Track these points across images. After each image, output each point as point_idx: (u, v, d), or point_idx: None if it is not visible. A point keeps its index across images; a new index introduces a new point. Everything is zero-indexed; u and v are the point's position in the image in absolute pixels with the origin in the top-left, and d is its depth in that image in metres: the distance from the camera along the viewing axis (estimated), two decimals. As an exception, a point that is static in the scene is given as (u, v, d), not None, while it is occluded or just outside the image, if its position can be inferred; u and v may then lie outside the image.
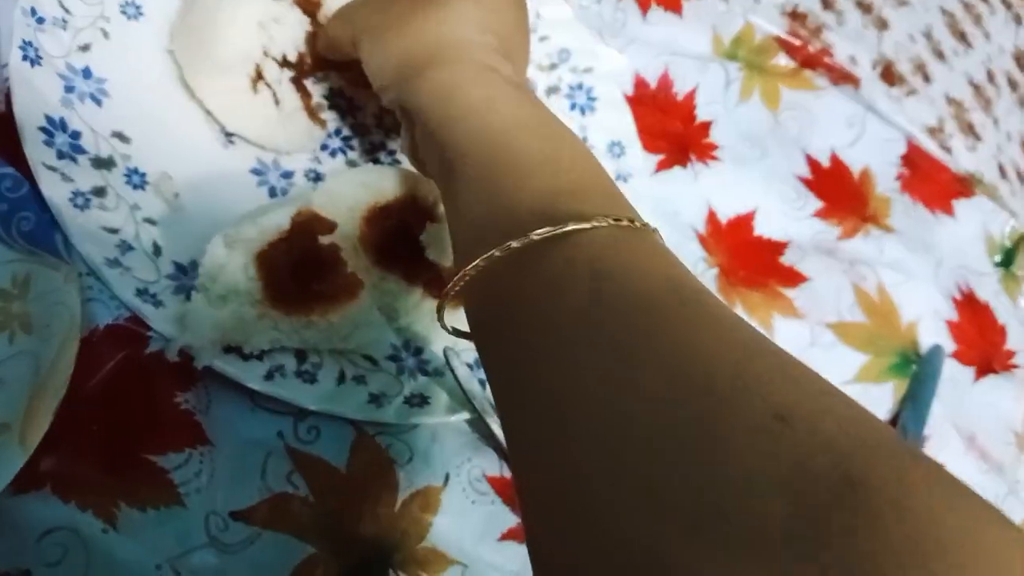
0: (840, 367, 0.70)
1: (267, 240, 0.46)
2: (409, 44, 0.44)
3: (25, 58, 0.48)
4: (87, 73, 0.51)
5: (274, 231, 0.46)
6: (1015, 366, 0.81)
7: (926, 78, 0.99)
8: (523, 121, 0.40)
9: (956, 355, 0.77)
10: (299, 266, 0.47)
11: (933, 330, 0.76)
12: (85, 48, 0.51)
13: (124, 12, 0.54)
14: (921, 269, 0.78)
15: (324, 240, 0.49)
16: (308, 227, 0.48)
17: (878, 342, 0.72)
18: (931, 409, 0.71)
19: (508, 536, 0.50)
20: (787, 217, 0.74)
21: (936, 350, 0.74)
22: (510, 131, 0.39)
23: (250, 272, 0.46)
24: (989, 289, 0.83)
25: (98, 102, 0.51)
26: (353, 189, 0.52)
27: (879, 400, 0.70)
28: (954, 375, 0.76)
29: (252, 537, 0.43)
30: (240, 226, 0.46)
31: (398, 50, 0.45)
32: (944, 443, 0.71)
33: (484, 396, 0.51)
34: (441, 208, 0.54)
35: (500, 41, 0.45)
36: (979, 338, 0.79)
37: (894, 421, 0.69)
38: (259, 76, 0.54)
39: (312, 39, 0.56)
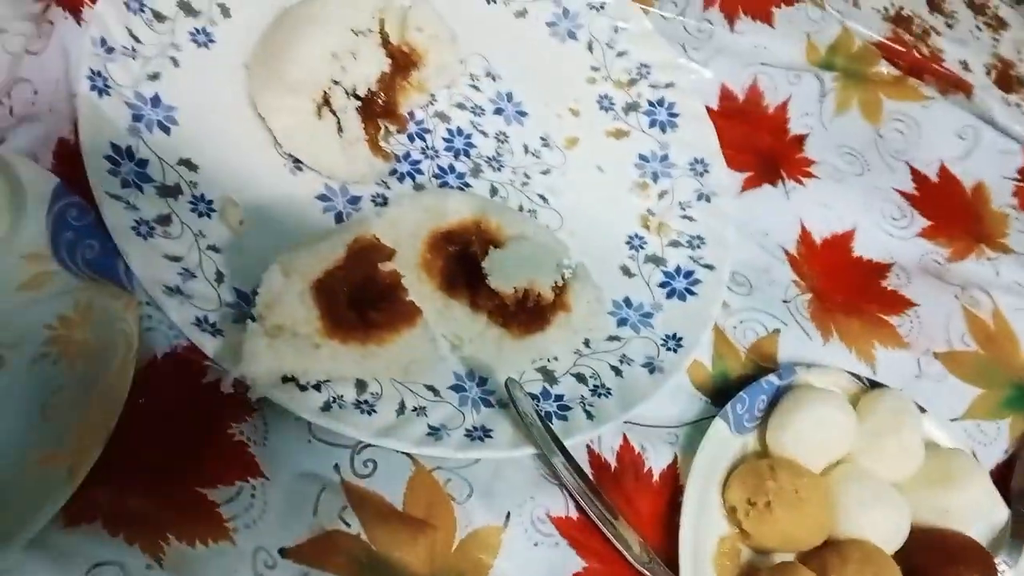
0: (950, 401, 0.64)
1: (323, 268, 0.45)
2: None
3: (93, 87, 0.48)
4: (156, 101, 0.51)
5: (330, 259, 0.45)
6: None
7: (1051, 80, 0.91)
8: None
9: (1087, 388, 0.69)
10: (356, 294, 0.46)
11: (1059, 361, 0.69)
12: (155, 77, 0.52)
13: (195, 40, 0.54)
14: (1044, 292, 0.71)
15: (384, 267, 0.48)
16: (366, 255, 0.46)
17: (993, 373, 0.66)
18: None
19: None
20: (890, 237, 0.69)
21: (1061, 382, 0.67)
22: None
23: (307, 301, 0.45)
24: None
25: (167, 130, 0.51)
26: (415, 214, 0.51)
27: (994, 437, 0.63)
28: (1084, 411, 0.68)
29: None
30: (296, 254, 0.45)
31: None
32: (1073, 487, 0.64)
33: (545, 432, 0.48)
34: (505, 233, 0.52)
35: None
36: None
37: (1011, 460, 0.63)
38: (325, 102, 0.53)
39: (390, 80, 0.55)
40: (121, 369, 0.42)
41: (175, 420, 0.43)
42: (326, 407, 0.46)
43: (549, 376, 0.53)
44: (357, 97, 0.54)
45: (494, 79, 0.63)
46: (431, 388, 0.50)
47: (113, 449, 0.40)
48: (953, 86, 0.79)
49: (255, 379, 0.43)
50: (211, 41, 0.55)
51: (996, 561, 0.57)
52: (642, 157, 0.65)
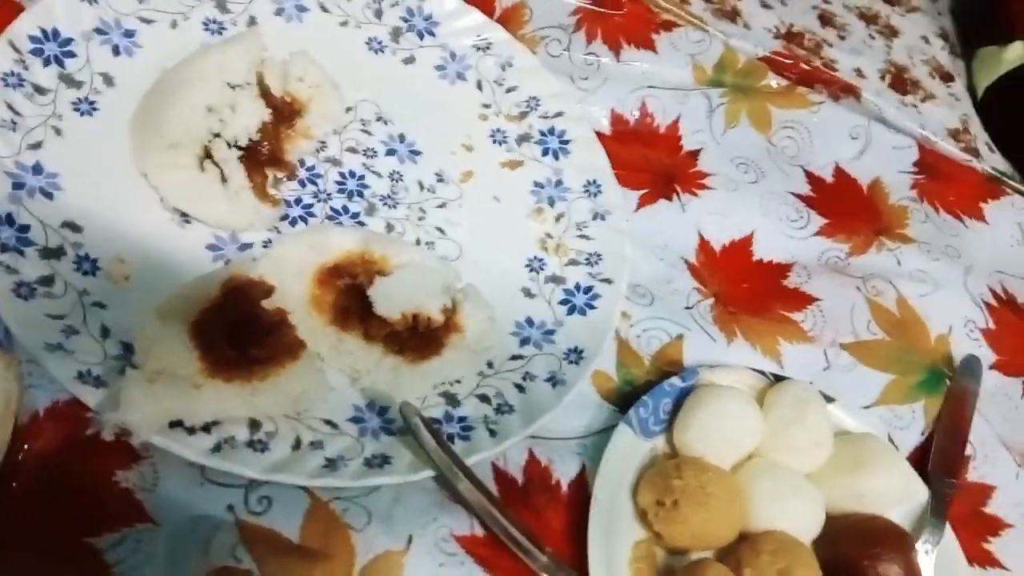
0: (862, 389, 0.65)
1: (199, 308, 0.46)
2: None
3: (-29, 160, 0.49)
4: (38, 169, 0.52)
5: (204, 300, 0.46)
6: (1073, 372, 0.74)
7: (945, 79, 0.95)
8: None
9: (998, 366, 0.71)
10: (236, 332, 0.47)
11: (967, 342, 0.70)
12: (36, 145, 0.53)
13: (77, 109, 0.56)
14: (948, 278, 0.73)
15: (268, 305, 0.49)
16: (243, 292, 0.47)
17: (903, 359, 0.67)
18: (972, 425, 0.65)
19: None
20: (789, 238, 0.71)
21: (971, 361, 0.68)
22: None
23: (184, 342, 0.45)
24: (1034, 293, 0.77)
25: (49, 195, 0.52)
26: (299, 251, 0.52)
27: (909, 422, 0.64)
28: (999, 387, 0.70)
29: (188, 615, 0.41)
30: (171, 298, 0.46)
31: None
32: (992, 462, 0.65)
33: (446, 453, 0.48)
34: (391, 263, 0.53)
35: None
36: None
37: (928, 442, 0.64)
38: (207, 155, 0.54)
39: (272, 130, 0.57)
40: (1, 427, 0.42)
41: (59, 473, 0.43)
42: (216, 448, 0.46)
43: (452, 399, 0.54)
44: (239, 148, 0.55)
45: (385, 122, 0.65)
46: (329, 422, 0.50)
47: (-3, 506, 0.40)
48: (843, 91, 0.82)
49: (135, 425, 0.43)
50: (94, 109, 0.56)
51: (920, 541, 0.57)
52: (537, 184, 0.66)
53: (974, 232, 0.79)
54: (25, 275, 0.48)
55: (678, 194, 0.70)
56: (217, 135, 0.55)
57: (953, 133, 0.88)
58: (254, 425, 0.48)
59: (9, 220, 0.50)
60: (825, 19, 0.93)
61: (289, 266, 0.51)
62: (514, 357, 0.57)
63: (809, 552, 0.52)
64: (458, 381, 0.54)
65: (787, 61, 0.81)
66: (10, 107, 0.53)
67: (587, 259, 0.63)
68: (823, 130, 0.78)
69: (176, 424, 0.46)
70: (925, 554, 0.57)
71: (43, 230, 0.51)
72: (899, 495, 0.57)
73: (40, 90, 0.55)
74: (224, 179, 0.54)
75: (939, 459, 0.62)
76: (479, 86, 0.69)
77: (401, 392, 0.52)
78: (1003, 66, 0.89)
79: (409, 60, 0.69)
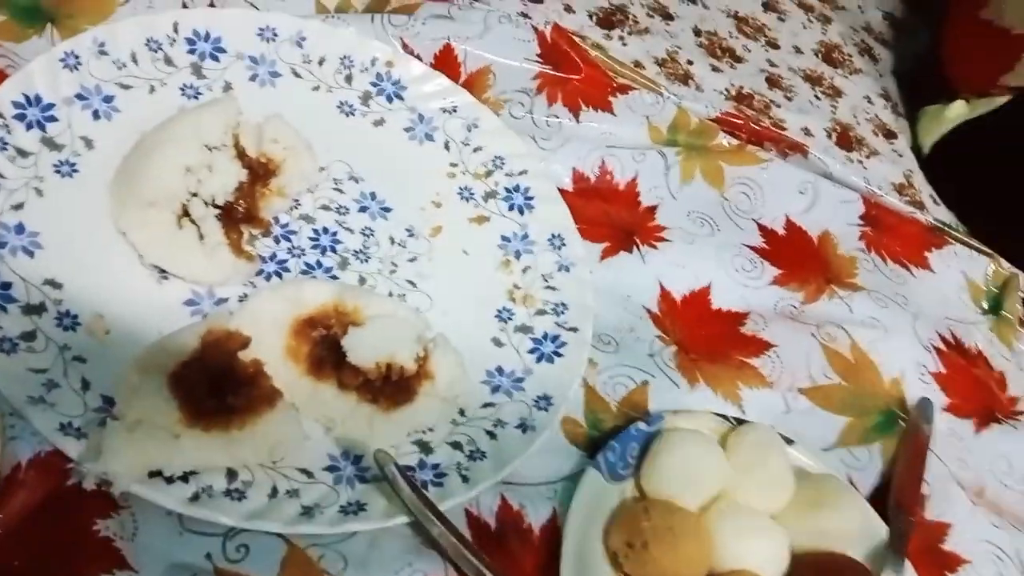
0: (820, 432, 0.67)
1: (179, 361, 0.47)
2: None
3: (-46, 220, 0.51)
4: (20, 229, 0.54)
5: (184, 352, 0.47)
6: (1021, 412, 0.77)
7: (888, 136, 1.00)
8: None
9: (950, 409, 0.74)
10: (215, 383, 0.48)
11: (919, 384, 0.73)
12: (18, 207, 0.55)
13: (58, 171, 0.57)
14: (897, 324, 0.76)
15: (244, 356, 0.50)
16: (221, 344, 0.49)
17: (857, 403, 0.70)
18: (927, 464, 0.67)
19: None
20: (744, 287, 0.74)
21: (923, 405, 0.71)
22: None
23: (164, 393, 0.47)
24: (980, 337, 0.81)
25: (30, 254, 0.53)
26: (273, 304, 0.53)
27: (866, 463, 0.66)
28: (952, 428, 0.73)
29: (167, 662, 0.42)
30: (151, 351, 0.47)
31: None
32: (947, 501, 0.67)
33: (419, 500, 0.50)
34: (364, 314, 0.55)
35: None
36: (974, 388, 0.76)
37: (886, 482, 0.66)
38: (185, 213, 0.56)
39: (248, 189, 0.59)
40: (-18, 480, 0.43)
41: (39, 522, 0.44)
42: (195, 498, 0.47)
43: (424, 447, 0.55)
44: (216, 206, 0.57)
45: (357, 181, 0.67)
46: (304, 471, 0.52)
47: (-26, 558, 0.41)
48: (790, 148, 0.87)
49: (115, 474, 0.44)
50: (75, 171, 0.58)
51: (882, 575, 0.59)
52: (504, 238, 0.69)
53: (920, 280, 0.83)
54: (8, 331, 0.49)
55: (638, 247, 0.73)
56: (194, 194, 0.57)
57: (898, 187, 0.93)
58: (231, 474, 0.49)
59: (-10, 278, 0.51)
60: (772, 81, 0.98)
61: (265, 318, 0.53)
62: (485, 405, 0.59)
63: (775, 590, 0.54)
64: (431, 429, 0.56)
65: (737, 121, 0.85)
66: (-9, 169, 0.55)
67: (553, 308, 0.65)
68: (773, 186, 0.81)
69: (155, 474, 0.47)
70: (886, 589, 0.59)
71: (25, 287, 0.52)
72: (859, 532, 0.59)
73: (23, 153, 0.57)
74: (201, 236, 0.56)
75: (897, 497, 0.64)
76: (447, 146, 0.72)
77: (375, 440, 0.53)
78: (946, 123, 0.95)
79: (379, 122, 0.72)
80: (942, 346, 0.78)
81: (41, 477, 0.45)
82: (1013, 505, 0.70)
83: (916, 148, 1.00)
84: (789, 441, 0.62)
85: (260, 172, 0.60)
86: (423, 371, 0.55)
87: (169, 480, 0.47)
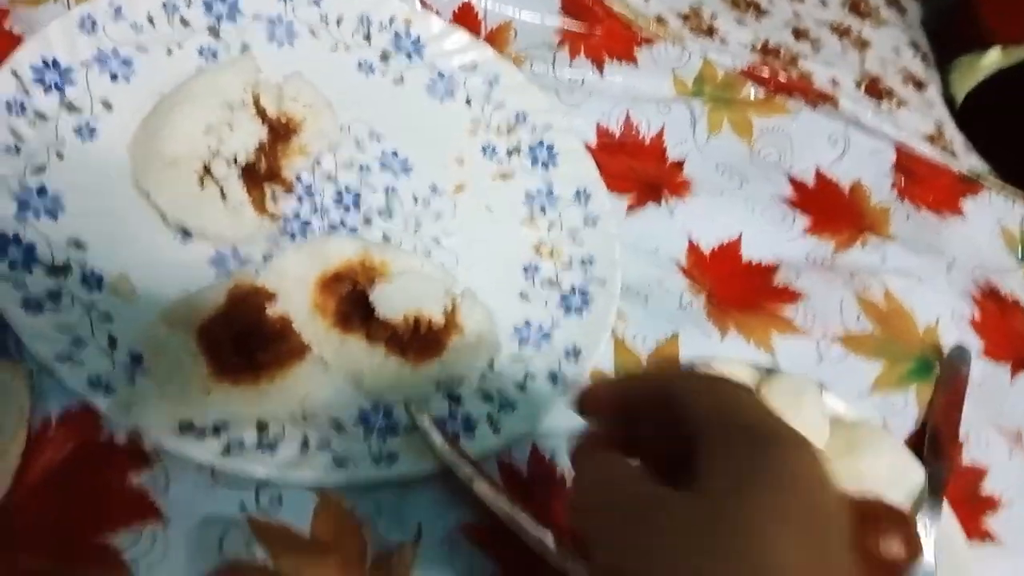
0: (854, 380, 0.66)
1: (205, 316, 0.47)
2: None
3: (-23, 181, 0.51)
4: (42, 191, 0.54)
5: (210, 307, 0.47)
6: (1059, 359, 0.75)
7: (918, 86, 0.98)
8: None
9: (986, 354, 0.72)
10: (242, 338, 0.48)
11: (955, 331, 0.72)
12: (40, 170, 0.54)
13: (79, 134, 0.57)
14: (931, 272, 0.75)
15: (272, 312, 0.50)
16: (248, 299, 0.48)
17: (892, 349, 0.68)
18: (963, 411, 0.66)
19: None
20: (775, 239, 0.72)
21: (959, 351, 0.69)
22: None
23: (191, 348, 0.46)
24: (1017, 284, 0.79)
25: (53, 216, 0.53)
26: (300, 261, 0.53)
27: (902, 408, 0.65)
28: (987, 374, 0.71)
29: (206, 608, 0.42)
30: (177, 305, 0.47)
31: None
32: (985, 445, 0.66)
33: (452, 449, 0.49)
34: (391, 268, 0.54)
35: None
36: (1009, 335, 0.75)
37: (922, 427, 0.65)
38: (207, 172, 0.56)
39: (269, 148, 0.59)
40: (13, 437, 0.43)
41: (72, 476, 0.44)
42: (226, 451, 0.47)
43: (455, 398, 0.55)
44: (238, 165, 0.57)
45: (378, 140, 0.67)
46: (335, 424, 0.51)
47: (10, 513, 0.41)
48: (819, 99, 0.85)
49: (146, 427, 0.44)
50: (94, 133, 0.58)
51: (919, 517, 0.58)
52: (528, 195, 0.68)
53: (954, 229, 0.81)
54: (33, 290, 0.49)
55: (666, 200, 0.72)
56: (216, 153, 0.56)
57: (929, 137, 0.90)
58: (261, 428, 0.49)
59: (16, 239, 0.51)
60: (799, 33, 0.96)
61: (291, 275, 0.52)
62: (514, 358, 0.58)
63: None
64: (460, 381, 0.55)
65: (764, 73, 0.84)
66: (14, 133, 0.54)
67: (580, 263, 0.64)
68: (802, 136, 0.80)
69: (186, 428, 0.47)
70: (924, 531, 0.58)
71: (49, 248, 0.52)
72: (896, 475, 0.58)
73: (42, 116, 0.56)
74: (224, 195, 0.56)
75: (933, 442, 0.63)
76: (468, 103, 0.71)
77: (405, 392, 0.53)
78: (981, 72, 0.93)
79: (399, 80, 0.71)
80: (977, 293, 0.76)
81: (71, 432, 0.45)
82: (1054, 451, 0.69)
83: (948, 98, 0.98)
84: (824, 388, 0.61)
85: (281, 131, 0.60)
86: (451, 324, 0.54)
87: (200, 434, 0.47)
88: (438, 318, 0.53)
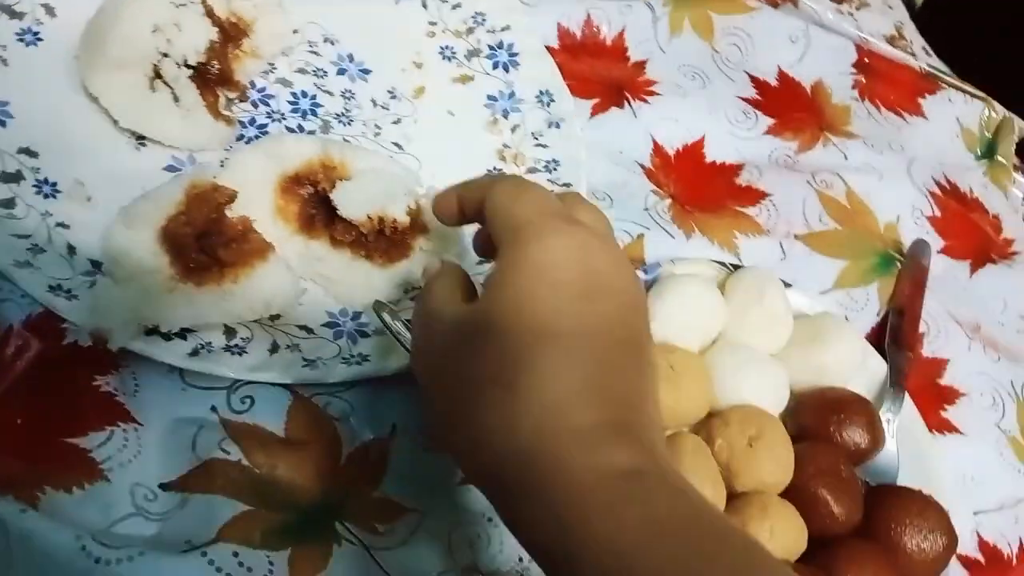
0: (818, 276, 0.67)
1: (166, 215, 0.46)
2: (484, 436, 0.33)
3: (-82, 89, 0.49)
4: (-13, 98, 0.52)
5: (170, 204, 0.46)
6: (1015, 253, 0.77)
7: (878, -13, 0.97)
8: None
9: (946, 251, 0.74)
10: (204, 237, 0.47)
11: (915, 228, 0.73)
12: (-17, 76, 0.52)
13: (21, 39, 0.55)
14: (892, 169, 0.75)
15: (233, 214, 0.49)
16: (207, 198, 0.47)
17: (854, 246, 0.69)
18: (924, 303, 0.67)
19: (467, 480, 0.49)
20: (738, 139, 0.73)
21: (920, 244, 0.71)
22: None
23: (153, 248, 0.46)
24: (975, 181, 0.81)
25: (1, 123, 0.51)
26: (258, 161, 0.52)
27: (864, 303, 0.67)
28: (948, 270, 0.73)
29: (181, 503, 0.42)
30: (135, 204, 0.46)
31: (470, 439, 0.34)
32: (945, 336, 0.68)
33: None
34: (352, 168, 0.53)
35: (615, 406, 0.33)
36: (969, 231, 0.76)
37: (885, 321, 0.66)
38: (157, 75, 0.54)
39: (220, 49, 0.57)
40: (-24, 341, 0.42)
41: (39, 382, 0.43)
42: (194, 353, 0.46)
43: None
44: (189, 67, 0.55)
45: (333, 43, 0.65)
46: (303, 327, 0.51)
47: (-24, 417, 0.40)
48: (780, -1, 0.84)
49: (111, 331, 0.44)
50: (39, 39, 0.56)
51: (882, 410, 0.60)
52: (490, 97, 0.67)
53: (915, 127, 0.81)
54: (-15, 198, 0.48)
55: (629, 102, 0.71)
56: (165, 55, 0.54)
57: (889, 39, 0.90)
58: (229, 332, 0.49)
59: (-37, 147, 0.49)
60: (761, -68, 0.94)
61: (250, 176, 0.51)
62: (480, 261, 0.58)
63: (776, 420, 0.55)
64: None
65: (726, -29, 0.82)
66: (-48, 37, 0.52)
67: (545, 166, 0.64)
68: (764, 35, 0.79)
69: (152, 332, 0.46)
70: (887, 422, 0.60)
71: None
72: (856, 365, 0.60)
73: (-19, 20, 0.54)
74: (176, 98, 0.54)
75: (895, 335, 0.64)
76: (424, 4, 0.69)
77: (372, 295, 0.52)
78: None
79: (351, -20, 0.69)
80: (937, 191, 0.77)
81: (35, 338, 0.44)
82: (1008, 340, 0.71)
83: (908, 2, 0.97)
84: (787, 285, 0.62)
85: (231, 32, 0.58)
86: (417, 225, 0.54)
87: (166, 337, 0.46)
88: (403, 218, 0.52)
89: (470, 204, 0.41)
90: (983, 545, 0.61)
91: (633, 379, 0.34)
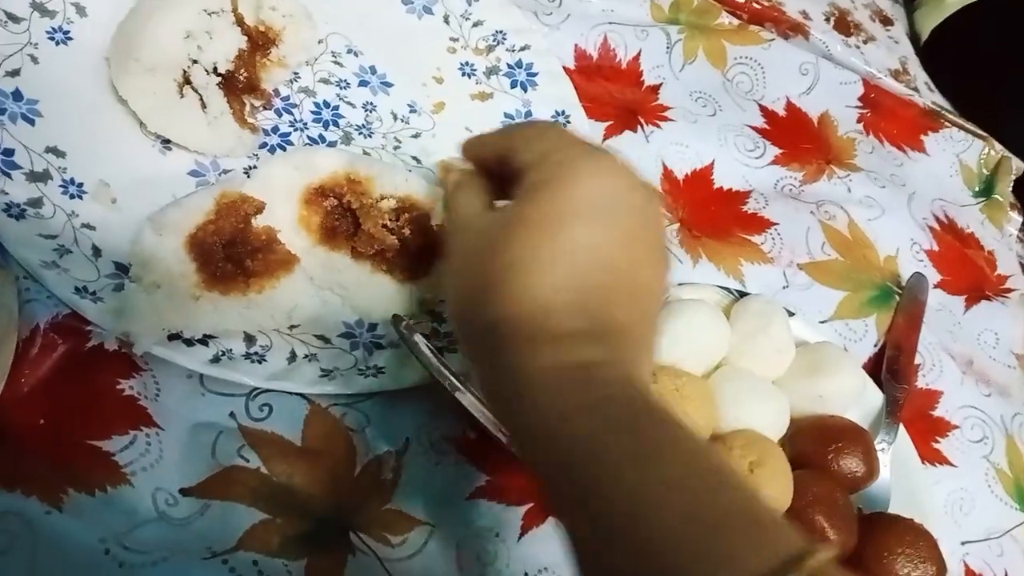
0: (818, 305, 0.69)
1: (195, 223, 0.47)
2: (476, 334, 0.37)
3: (-49, 84, 0.49)
4: (17, 95, 0.52)
5: (200, 213, 0.47)
6: (1010, 290, 0.79)
7: (885, 22, 0.99)
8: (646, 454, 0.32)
9: (942, 285, 0.75)
10: (231, 247, 0.48)
11: (913, 262, 0.75)
12: (14, 73, 0.53)
13: (52, 38, 0.56)
14: (893, 203, 0.77)
15: (258, 224, 0.50)
16: (236, 208, 0.48)
17: (855, 277, 0.71)
18: (920, 336, 0.69)
19: (477, 494, 0.50)
20: (746, 167, 0.74)
21: (918, 277, 0.72)
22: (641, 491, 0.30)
23: (181, 255, 0.46)
24: (973, 218, 0.82)
25: (31, 121, 0.52)
26: (285, 172, 0.53)
27: (862, 334, 0.68)
28: (943, 304, 0.75)
29: (202, 509, 0.43)
30: (166, 211, 0.47)
31: (468, 328, 0.38)
32: (939, 369, 0.69)
33: (439, 363, 0.50)
34: (377, 184, 0.54)
35: (594, 314, 0.35)
36: (965, 267, 0.78)
37: (881, 353, 0.68)
38: (186, 81, 0.55)
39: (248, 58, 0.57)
40: (3, 340, 0.43)
41: (63, 382, 0.44)
42: (215, 359, 0.47)
43: (437, 316, 0.56)
44: (218, 74, 0.56)
45: (356, 55, 0.66)
46: (321, 337, 0.52)
47: (3, 415, 0.41)
48: (792, 30, 0.85)
49: (136, 335, 0.44)
50: (69, 38, 0.56)
51: (876, 440, 0.61)
52: (507, 115, 0.68)
53: (916, 162, 0.83)
54: (14, 196, 0.48)
55: (642, 126, 0.72)
56: (195, 61, 0.55)
57: (893, 73, 0.92)
58: (249, 339, 0.49)
59: (-6, 144, 0.50)
60: (772, -38, 0.96)
61: (277, 186, 0.52)
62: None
63: (777, 447, 0.56)
64: (442, 300, 0.56)
65: (740, 1, 0.84)
66: (-16, 33, 0.53)
67: (559, 186, 0.65)
68: (774, 66, 0.81)
69: (175, 337, 0.47)
70: (881, 451, 0.61)
71: (28, 154, 0.51)
72: (855, 396, 0.61)
73: (13, 18, 0.55)
74: (204, 105, 0.55)
75: (891, 366, 0.66)
76: (446, 20, 0.70)
77: (390, 309, 0.53)
78: (947, 9, 0.94)
79: (376, -10, 0.70)
80: (936, 225, 0.79)
81: (60, 339, 0.45)
82: (999, 375, 0.73)
83: (913, 36, 0.99)
84: (789, 313, 0.63)
85: (260, 40, 0.59)
86: (438, 245, 0.55)
87: (188, 343, 0.47)
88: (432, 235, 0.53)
89: (498, 147, 0.43)
90: (970, 575, 0.62)
91: (632, 300, 0.37)
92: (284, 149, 0.59)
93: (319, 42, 0.64)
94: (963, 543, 0.63)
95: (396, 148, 0.63)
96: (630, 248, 0.37)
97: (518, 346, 0.35)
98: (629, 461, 0.31)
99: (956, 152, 0.86)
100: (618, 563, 0.30)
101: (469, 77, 0.69)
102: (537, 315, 0.35)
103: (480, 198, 0.43)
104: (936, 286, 0.75)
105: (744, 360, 0.59)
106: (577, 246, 0.35)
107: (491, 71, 0.70)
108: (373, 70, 0.66)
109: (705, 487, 0.31)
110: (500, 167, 0.42)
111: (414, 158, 0.63)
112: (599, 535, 0.30)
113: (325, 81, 0.64)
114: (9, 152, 0.50)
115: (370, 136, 0.63)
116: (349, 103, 0.63)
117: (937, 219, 0.79)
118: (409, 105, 0.65)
